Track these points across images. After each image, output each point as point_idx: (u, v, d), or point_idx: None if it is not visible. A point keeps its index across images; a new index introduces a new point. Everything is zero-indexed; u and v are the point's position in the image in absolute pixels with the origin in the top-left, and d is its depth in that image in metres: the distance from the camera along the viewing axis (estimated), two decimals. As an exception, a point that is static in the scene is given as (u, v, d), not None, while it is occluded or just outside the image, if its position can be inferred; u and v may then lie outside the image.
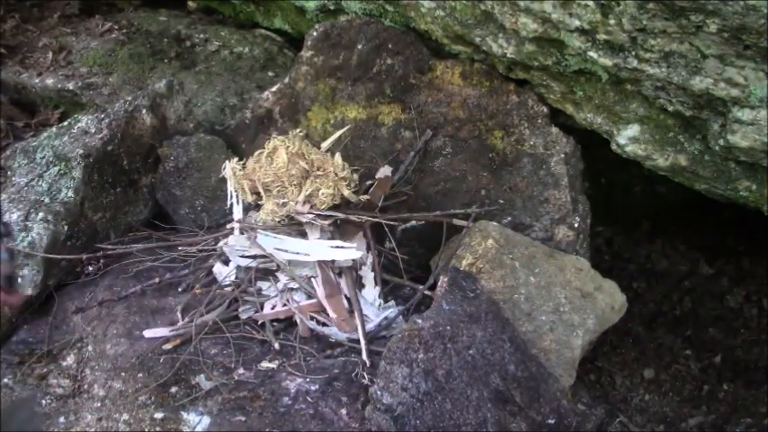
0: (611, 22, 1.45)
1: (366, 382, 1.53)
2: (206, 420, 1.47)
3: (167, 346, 1.63)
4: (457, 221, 1.84)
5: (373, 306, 1.77)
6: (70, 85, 2.33)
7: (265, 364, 1.61)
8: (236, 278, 1.78)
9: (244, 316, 1.73)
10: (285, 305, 1.73)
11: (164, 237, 1.96)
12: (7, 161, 1.95)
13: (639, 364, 2.11)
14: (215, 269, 1.82)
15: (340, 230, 1.86)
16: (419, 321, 1.50)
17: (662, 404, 1.99)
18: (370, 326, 1.70)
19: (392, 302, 1.80)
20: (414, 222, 1.93)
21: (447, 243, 1.87)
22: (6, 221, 1.73)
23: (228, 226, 1.88)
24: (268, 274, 1.79)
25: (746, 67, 1.37)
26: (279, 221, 1.82)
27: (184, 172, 2.03)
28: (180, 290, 1.81)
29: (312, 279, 1.75)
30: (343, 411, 1.48)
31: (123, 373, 1.58)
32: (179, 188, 2.03)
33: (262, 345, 1.67)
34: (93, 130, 1.97)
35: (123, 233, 2.00)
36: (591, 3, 1.45)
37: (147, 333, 1.67)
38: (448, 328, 1.50)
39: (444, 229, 1.85)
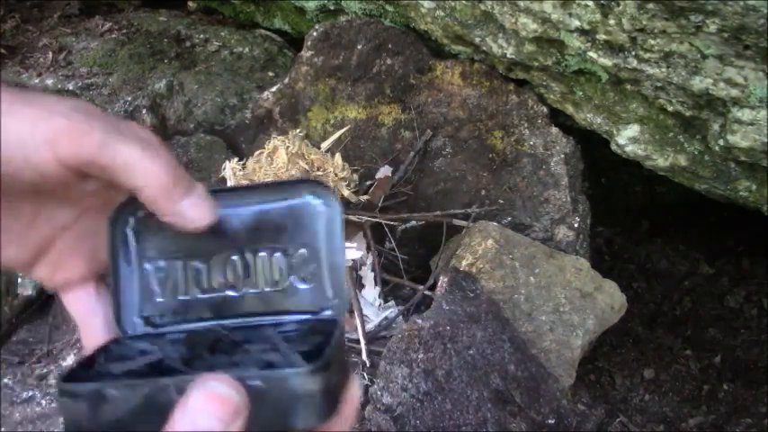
0: (611, 22, 1.45)
1: (366, 382, 1.53)
2: (206, 420, 1.46)
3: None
4: (457, 221, 1.84)
5: (373, 306, 1.77)
6: (70, 86, 2.33)
7: (265, 365, 1.60)
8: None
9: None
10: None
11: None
12: (7, 161, 1.95)
13: (639, 364, 2.11)
14: (215, 269, 1.82)
15: (340, 230, 1.85)
16: (419, 321, 1.50)
17: (662, 404, 1.99)
18: (370, 326, 1.70)
19: (392, 302, 1.80)
20: (414, 222, 1.93)
21: (447, 243, 1.87)
22: None
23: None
24: (268, 274, 1.79)
25: (746, 67, 1.37)
26: (279, 221, 1.82)
27: (184, 172, 2.03)
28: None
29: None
30: (343, 411, 1.48)
31: (123, 374, 1.58)
32: (179, 188, 2.03)
33: (262, 345, 1.67)
34: (93, 131, 1.97)
35: (123, 233, 2.00)
36: (591, 3, 1.45)
37: None
38: (448, 328, 1.50)
39: (444, 229, 1.85)
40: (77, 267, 0.56)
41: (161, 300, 0.53)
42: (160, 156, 0.50)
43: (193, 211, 0.51)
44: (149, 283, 0.53)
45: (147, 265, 0.54)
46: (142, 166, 0.49)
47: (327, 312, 0.51)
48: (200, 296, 0.53)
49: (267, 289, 0.52)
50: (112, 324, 0.54)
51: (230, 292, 0.53)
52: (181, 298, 0.53)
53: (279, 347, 0.48)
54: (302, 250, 0.52)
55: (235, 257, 0.53)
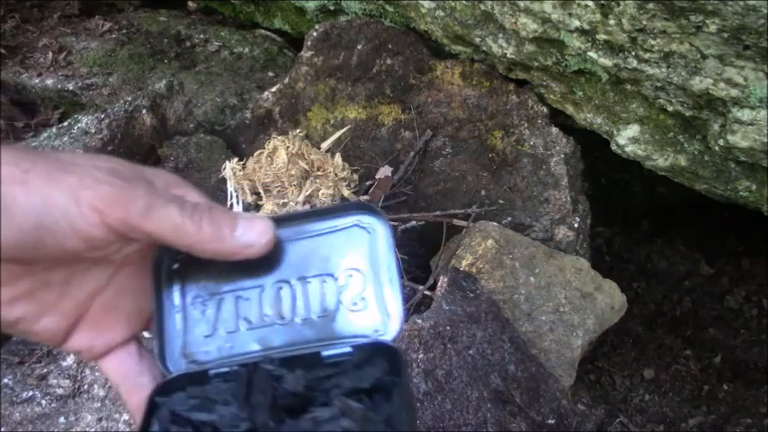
0: (611, 22, 1.45)
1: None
2: (206, 420, 1.46)
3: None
4: (457, 221, 1.84)
5: (373, 306, 1.76)
6: (70, 86, 2.33)
7: (265, 365, 1.60)
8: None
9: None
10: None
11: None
12: (7, 161, 1.94)
13: (639, 364, 2.11)
14: (215, 269, 1.82)
15: (340, 230, 1.85)
16: (419, 321, 1.50)
17: (662, 404, 1.99)
18: (370, 326, 1.69)
19: (392, 302, 1.80)
20: (414, 222, 1.93)
21: (447, 243, 1.87)
22: None
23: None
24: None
25: (746, 67, 1.37)
26: (279, 222, 1.82)
27: (184, 172, 2.03)
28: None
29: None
30: (343, 411, 1.48)
31: (123, 374, 1.58)
32: (179, 188, 2.03)
33: (262, 345, 1.66)
34: (93, 131, 1.97)
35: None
36: (591, 3, 1.45)
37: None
38: (448, 328, 1.50)
39: (444, 230, 1.85)
40: (118, 328, 0.55)
41: (206, 336, 0.52)
42: (197, 208, 0.49)
43: (250, 234, 0.49)
44: (194, 321, 0.53)
45: (192, 304, 0.53)
46: (188, 227, 0.48)
47: (379, 336, 0.51)
48: (247, 328, 0.52)
49: (316, 316, 0.51)
50: (159, 376, 0.53)
51: (278, 322, 0.51)
52: (226, 332, 0.52)
53: (347, 408, 0.46)
54: (351, 275, 0.51)
55: (283, 287, 0.52)
